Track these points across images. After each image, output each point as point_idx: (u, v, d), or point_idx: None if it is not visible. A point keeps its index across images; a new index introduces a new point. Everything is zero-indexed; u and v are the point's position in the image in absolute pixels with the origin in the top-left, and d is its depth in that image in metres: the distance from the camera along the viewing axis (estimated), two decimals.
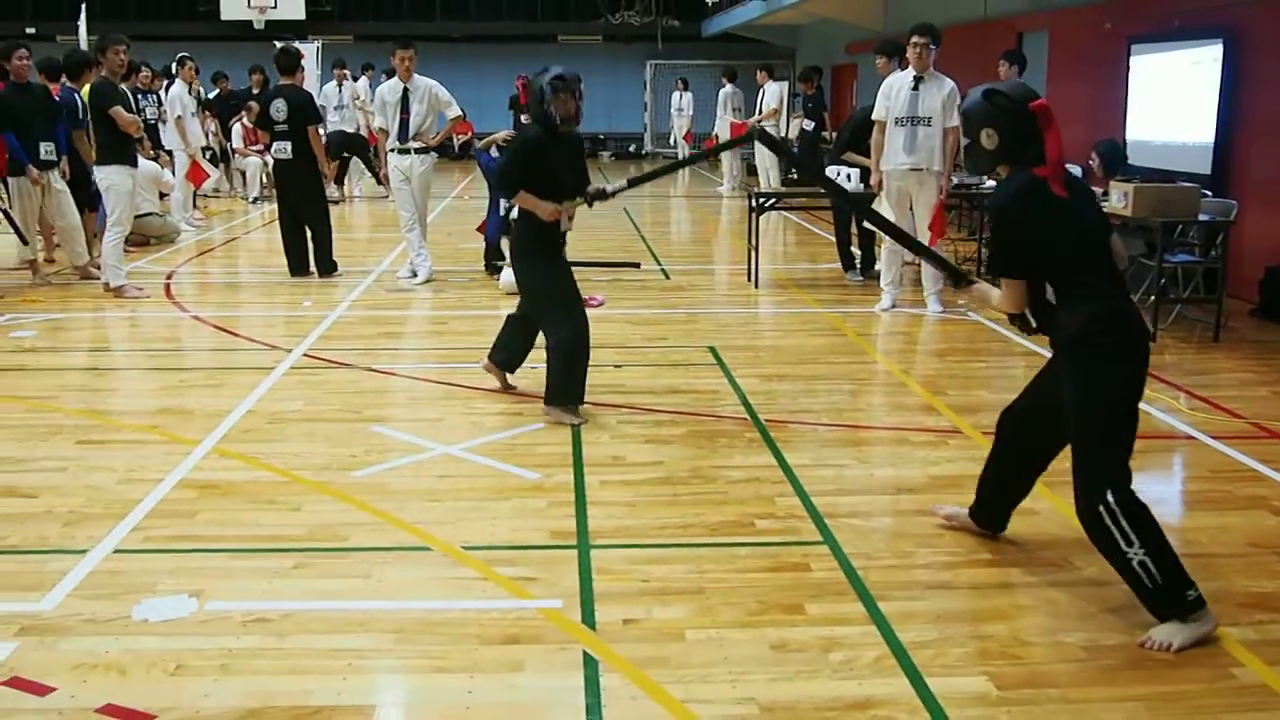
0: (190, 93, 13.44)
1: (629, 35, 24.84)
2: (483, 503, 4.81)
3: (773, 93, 16.04)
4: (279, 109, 9.93)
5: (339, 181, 16.27)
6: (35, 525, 4.54)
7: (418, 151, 9.58)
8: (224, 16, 23.21)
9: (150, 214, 11.98)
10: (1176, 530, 4.53)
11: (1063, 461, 3.95)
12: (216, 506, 4.74)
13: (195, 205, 14.21)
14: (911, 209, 8.63)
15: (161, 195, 12.49)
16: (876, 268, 10.25)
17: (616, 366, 7.08)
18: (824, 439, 5.68)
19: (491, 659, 3.49)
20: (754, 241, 9.85)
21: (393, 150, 9.59)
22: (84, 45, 11.20)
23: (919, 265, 9.01)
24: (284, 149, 9.92)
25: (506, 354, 6.36)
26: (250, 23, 23.21)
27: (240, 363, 7.19)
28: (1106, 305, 3.65)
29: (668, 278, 10.45)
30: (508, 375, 6.43)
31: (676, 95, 22.00)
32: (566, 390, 5.89)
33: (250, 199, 16.14)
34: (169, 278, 10.30)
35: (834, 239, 10.69)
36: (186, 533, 4.48)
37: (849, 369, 7.03)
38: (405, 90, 9.51)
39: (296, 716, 3.18)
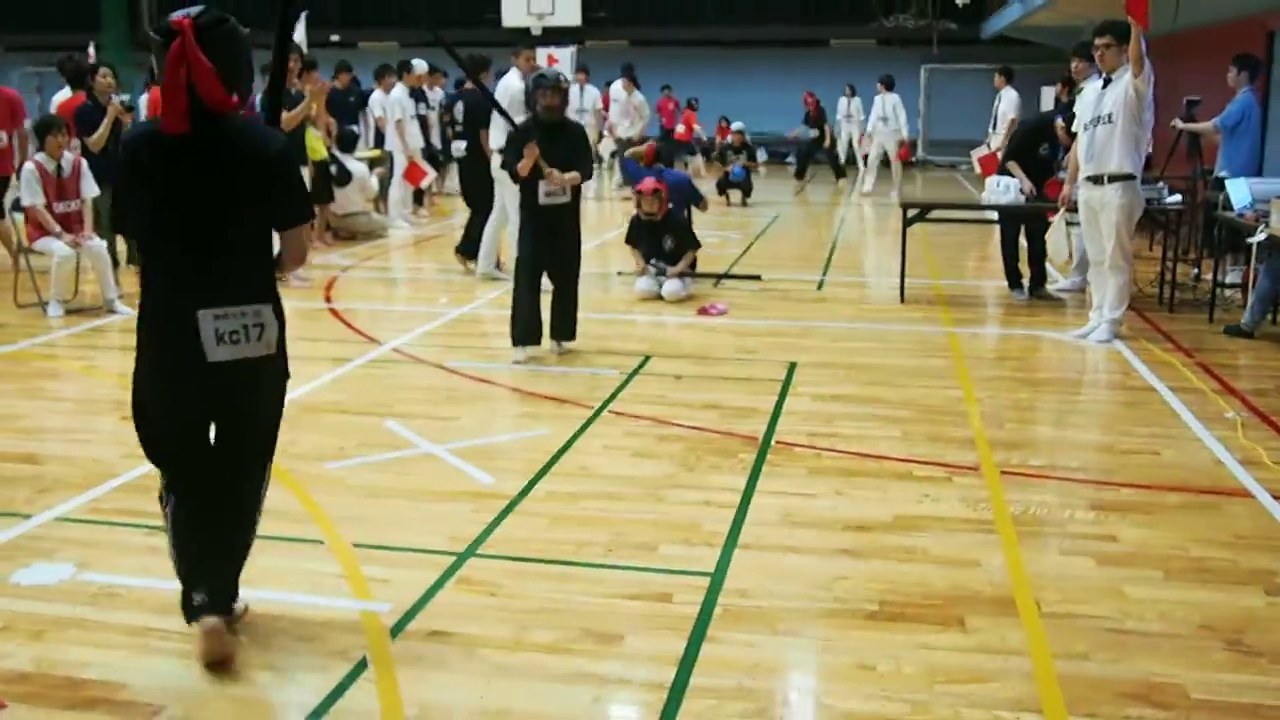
0: (413, 96, 14.15)
1: (904, 39, 24.14)
2: (416, 504, 4.86)
3: (1010, 100, 15.15)
4: (459, 111, 10.40)
5: None
6: (16, 488, 4.97)
7: None
8: (505, 23, 24.26)
9: (357, 213, 12.75)
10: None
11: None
12: None
13: (421, 204, 14.95)
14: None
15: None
16: (1048, 286, 9.58)
17: (677, 378, 6.95)
18: (820, 466, 5.37)
19: (276, 651, 3.54)
20: (904, 255, 9.41)
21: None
22: (304, 50, 12.02)
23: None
24: (459, 148, 10.37)
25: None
26: (529, 29, 24.13)
27: (327, 354, 7.55)
28: None
29: (820, 289, 10.13)
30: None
31: (844, 101, 21.08)
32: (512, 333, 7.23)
33: None
34: (344, 270, 10.92)
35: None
36: (130, 508, 4.76)
37: (918, 393, 6.59)
38: None
39: (55, 686, 3.35)
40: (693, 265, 9.84)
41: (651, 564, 4.27)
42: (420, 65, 14.22)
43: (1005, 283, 9.70)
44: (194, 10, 3.26)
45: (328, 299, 9.43)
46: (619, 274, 10.32)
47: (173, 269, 3.33)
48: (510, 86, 9.53)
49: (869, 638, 3.72)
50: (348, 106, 13.67)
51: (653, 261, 9.54)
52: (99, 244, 8.76)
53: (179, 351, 3.30)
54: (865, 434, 5.86)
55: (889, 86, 17.56)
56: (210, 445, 3.53)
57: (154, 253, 3.38)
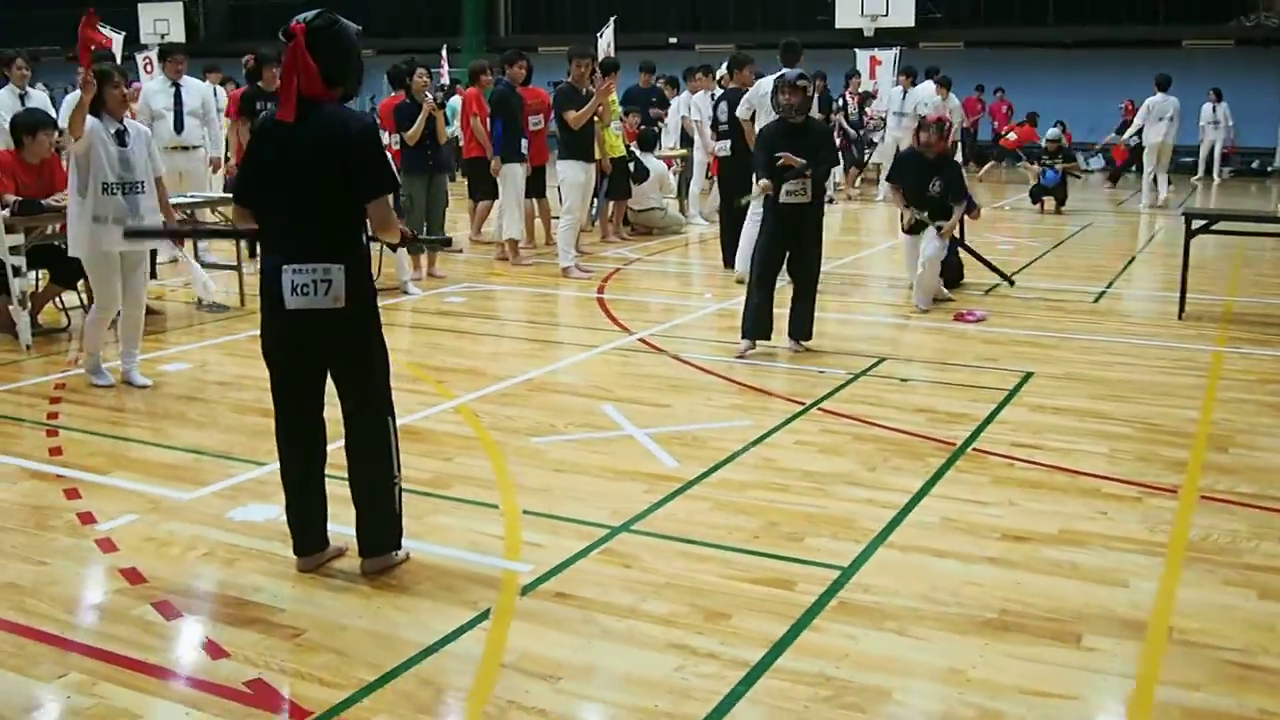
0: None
1: (1266, 38, 22.31)
2: (596, 480, 5.21)
3: None
4: (722, 110, 10.70)
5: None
6: (263, 440, 5.65)
7: None
8: (838, 24, 24.35)
9: (653, 208, 13.30)
10: None
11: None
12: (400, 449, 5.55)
13: None
14: None
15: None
16: None
17: (903, 380, 6.98)
18: (1006, 477, 5.31)
19: (415, 596, 3.98)
20: (1185, 268, 8.91)
21: None
22: (609, 54, 12.63)
23: None
24: (724, 147, 10.65)
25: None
26: (861, 30, 24.12)
27: (577, 339, 8.05)
28: None
29: (1096, 301, 9.72)
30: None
31: (1209, 107, 20.38)
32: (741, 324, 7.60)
33: None
34: (629, 263, 11.46)
35: None
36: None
37: (1149, 411, 6.31)
38: None
39: (226, 604, 3.92)
40: (961, 235, 9.58)
41: (791, 553, 4.41)
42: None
43: None
44: (310, 14, 3.79)
45: (600, 290, 9.96)
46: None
47: (271, 231, 3.98)
48: (762, 87, 9.71)
49: (974, 643, 3.73)
50: (649, 106, 14.20)
51: (912, 209, 9.07)
52: None
53: (272, 298, 3.92)
54: (1070, 448, 5.70)
55: (1163, 87, 16.34)
56: (310, 394, 4.12)
57: (262, 218, 4.01)
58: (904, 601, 4.01)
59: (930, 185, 8.95)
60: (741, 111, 10.05)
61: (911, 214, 9.04)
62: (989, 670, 3.55)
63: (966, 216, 9.79)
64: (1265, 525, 4.72)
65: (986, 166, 22.18)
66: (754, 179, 7.48)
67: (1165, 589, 4.14)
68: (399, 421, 4.26)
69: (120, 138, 6.34)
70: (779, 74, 7.64)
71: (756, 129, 9.50)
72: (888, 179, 9.73)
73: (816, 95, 17.08)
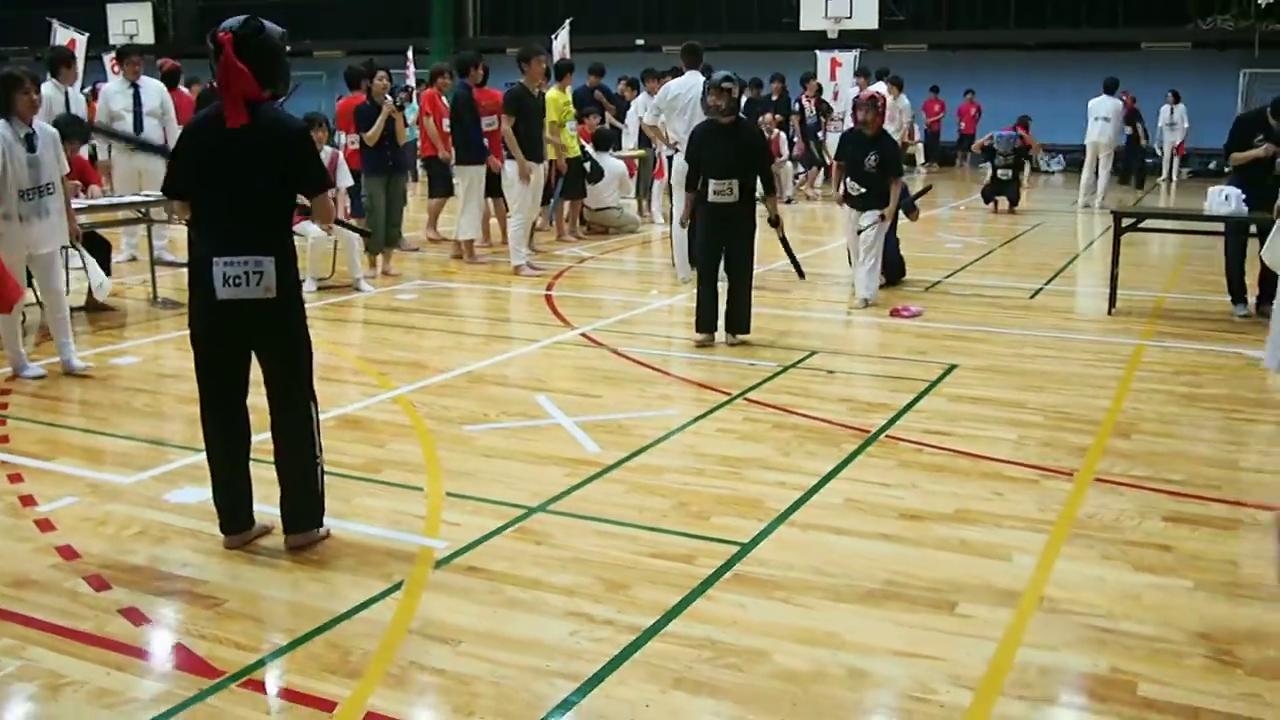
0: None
1: (1221, 41, 22.73)
2: (520, 465, 5.44)
3: None
4: None
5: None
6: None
7: None
8: (802, 26, 24.64)
9: (609, 208, 13.54)
10: None
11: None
12: (336, 436, 5.78)
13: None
14: None
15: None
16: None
17: (829, 372, 7.24)
18: (913, 461, 5.56)
19: (334, 569, 4.21)
20: (1115, 265, 9.20)
21: None
22: (563, 55, 12.88)
23: None
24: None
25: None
26: (825, 32, 24.41)
27: (520, 334, 8.30)
28: None
29: (1033, 297, 10.01)
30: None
31: (1166, 109, 21.38)
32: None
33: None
34: (581, 261, 11.70)
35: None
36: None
37: (1063, 400, 6.59)
38: None
39: (154, 578, 4.15)
40: (901, 215, 9.89)
41: (695, 530, 4.66)
42: None
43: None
44: (236, 22, 4.00)
45: (549, 287, 10.19)
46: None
47: (204, 224, 4.21)
48: (670, 91, 9.99)
49: (854, 610, 3.98)
50: (594, 105, 14.39)
51: (849, 184, 9.30)
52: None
53: (204, 290, 4.13)
54: (980, 435, 5.96)
55: (1108, 90, 16.71)
56: (236, 380, 4.34)
57: (196, 212, 4.24)
58: (797, 574, 4.26)
59: (867, 159, 9.15)
60: (647, 117, 10.31)
61: (852, 187, 9.28)
62: (864, 634, 3.80)
63: (905, 217, 10.08)
64: (1151, 505, 4.99)
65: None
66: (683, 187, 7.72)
67: (1044, 562, 4.40)
68: (340, 411, 4.47)
69: (29, 141, 6.53)
70: (709, 77, 7.88)
71: (672, 133, 9.78)
72: (835, 157, 10.07)
73: (775, 97, 17.49)
